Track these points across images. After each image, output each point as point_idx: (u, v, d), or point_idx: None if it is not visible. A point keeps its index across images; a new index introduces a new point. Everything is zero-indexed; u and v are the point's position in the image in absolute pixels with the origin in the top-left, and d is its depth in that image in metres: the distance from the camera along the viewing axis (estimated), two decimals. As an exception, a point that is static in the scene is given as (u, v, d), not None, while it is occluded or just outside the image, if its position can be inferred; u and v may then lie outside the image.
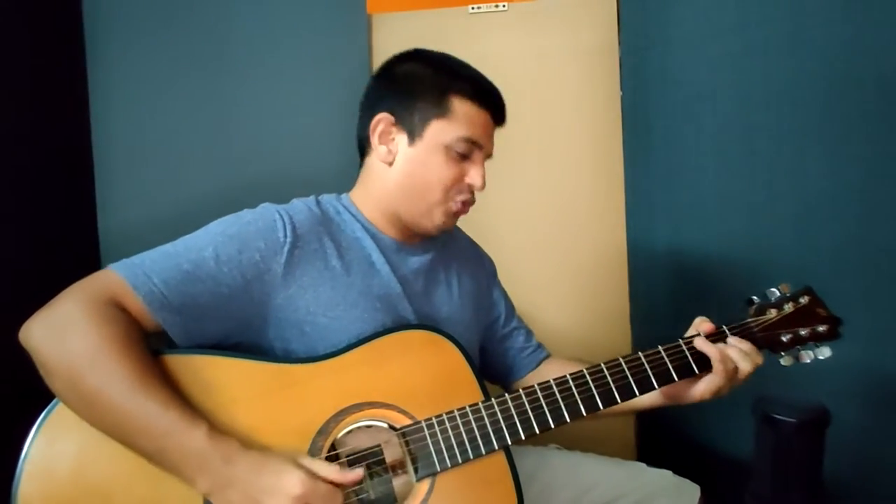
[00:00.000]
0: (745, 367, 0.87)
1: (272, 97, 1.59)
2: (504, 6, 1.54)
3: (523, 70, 1.54)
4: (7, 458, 0.72)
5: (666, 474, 1.02)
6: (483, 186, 0.92)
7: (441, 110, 0.89)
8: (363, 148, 0.96)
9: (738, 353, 0.88)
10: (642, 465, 1.05)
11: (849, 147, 1.19)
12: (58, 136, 1.52)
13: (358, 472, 0.75)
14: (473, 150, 0.91)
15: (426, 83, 0.90)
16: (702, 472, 1.05)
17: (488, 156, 0.95)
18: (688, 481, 1.01)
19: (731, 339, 0.90)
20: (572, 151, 1.55)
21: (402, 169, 0.91)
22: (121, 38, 1.58)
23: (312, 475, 0.72)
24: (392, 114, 0.91)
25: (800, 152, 1.25)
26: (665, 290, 1.47)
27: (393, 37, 1.57)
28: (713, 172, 1.38)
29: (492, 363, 1.09)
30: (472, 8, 1.55)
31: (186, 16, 1.58)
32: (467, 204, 0.94)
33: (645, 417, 1.51)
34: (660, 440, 1.49)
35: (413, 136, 0.90)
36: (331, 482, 0.73)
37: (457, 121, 0.89)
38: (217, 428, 0.72)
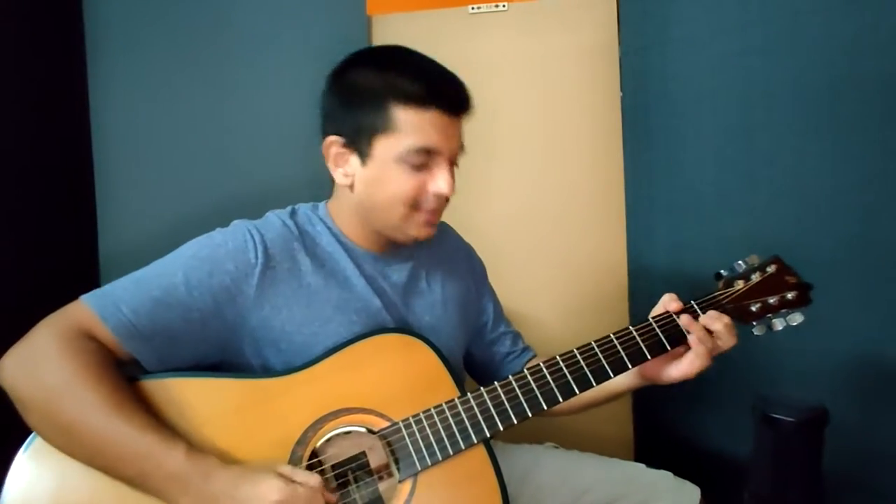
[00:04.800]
0: (725, 335, 0.87)
1: (271, 98, 1.59)
2: (504, 6, 1.54)
3: (523, 70, 1.54)
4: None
5: (665, 475, 1.02)
6: (450, 191, 0.85)
7: (382, 125, 0.82)
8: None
9: (718, 324, 0.88)
10: (641, 466, 1.04)
11: (849, 146, 1.19)
12: (58, 138, 1.52)
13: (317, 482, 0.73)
14: (429, 157, 0.83)
15: (364, 95, 0.83)
16: (700, 472, 1.04)
17: (453, 154, 0.87)
18: (688, 482, 1.01)
19: (708, 315, 0.89)
20: (572, 151, 1.55)
21: (362, 190, 0.86)
22: (121, 40, 1.58)
23: (290, 481, 0.72)
24: (340, 135, 0.86)
25: (800, 152, 1.25)
26: (665, 291, 1.47)
27: (393, 37, 1.57)
28: (713, 172, 1.37)
29: (479, 367, 1.09)
30: (472, 8, 1.55)
31: (186, 16, 1.58)
32: (437, 212, 0.88)
33: (643, 417, 1.50)
34: (658, 440, 1.49)
35: (363, 155, 0.84)
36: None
37: (401, 132, 0.81)
38: (195, 447, 0.72)
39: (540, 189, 1.55)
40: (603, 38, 1.52)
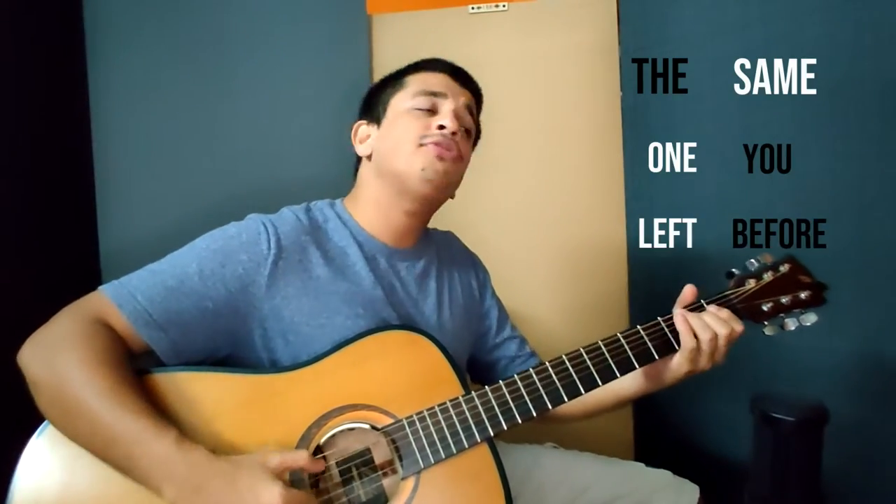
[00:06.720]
0: (721, 330, 0.85)
1: (272, 98, 1.59)
2: (504, 6, 1.54)
3: (523, 70, 1.54)
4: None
5: (665, 474, 1.02)
6: (454, 124, 0.91)
7: (397, 88, 0.96)
8: (356, 166, 1.02)
9: (713, 319, 0.87)
10: (641, 465, 1.05)
11: (848, 147, 1.19)
12: (58, 138, 1.52)
13: (321, 463, 0.76)
14: (436, 100, 0.94)
15: (386, 80, 1.00)
16: (700, 471, 1.04)
17: (458, 109, 0.94)
18: (687, 481, 1.01)
19: (710, 308, 0.89)
20: (572, 151, 1.55)
21: (377, 147, 0.95)
22: (121, 40, 1.58)
23: (289, 489, 0.70)
24: (362, 118, 1.00)
25: (800, 152, 1.25)
26: (664, 291, 1.47)
27: (393, 37, 1.57)
28: (713, 172, 1.37)
29: (484, 373, 1.09)
30: (472, 8, 1.55)
31: (186, 16, 1.58)
32: (441, 145, 0.90)
33: (643, 417, 1.51)
34: (658, 440, 1.49)
35: (380, 120, 0.97)
36: (301, 468, 0.74)
37: (411, 86, 0.95)
38: (189, 437, 0.72)
39: (539, 189, 1.55)
40: (603, 38, 1.52)
